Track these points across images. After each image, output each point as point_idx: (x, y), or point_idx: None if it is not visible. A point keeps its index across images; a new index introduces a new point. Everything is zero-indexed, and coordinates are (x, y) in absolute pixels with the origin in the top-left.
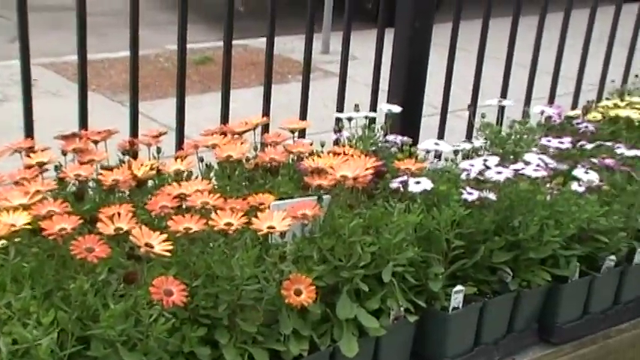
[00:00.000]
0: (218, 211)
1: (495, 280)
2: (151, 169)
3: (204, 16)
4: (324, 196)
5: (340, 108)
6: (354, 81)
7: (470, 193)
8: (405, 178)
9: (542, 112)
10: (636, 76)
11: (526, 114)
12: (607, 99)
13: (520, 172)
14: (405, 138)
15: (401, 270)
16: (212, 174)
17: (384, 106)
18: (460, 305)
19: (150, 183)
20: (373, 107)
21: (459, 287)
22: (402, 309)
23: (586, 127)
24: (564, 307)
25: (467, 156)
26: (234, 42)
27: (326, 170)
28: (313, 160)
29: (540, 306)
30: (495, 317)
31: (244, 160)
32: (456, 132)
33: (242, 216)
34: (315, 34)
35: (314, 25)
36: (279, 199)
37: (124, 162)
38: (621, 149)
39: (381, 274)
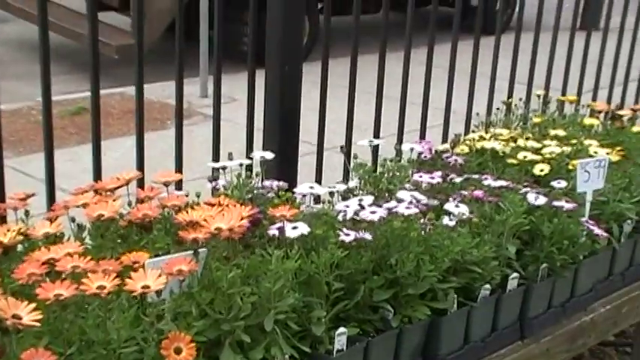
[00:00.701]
0: (90, 275)
1: (377, 319)
2: (19, 234)
3: (79, 65)
4: (201, 250)
5: (216, 155)
6: (236, 123)
7: (347, 235)
8: (281, 224)
9: (411, 150)
10: (497, 109)
11: (399, 151)
12: (473, 131)
13: (393, 210)
14: (281, 183)
15: (283, 317)
16: (85, 234)
17: (257, 154)
18: (344, 347)
19: (20, 247)
20: (250, 152)
21: (341, 329)
22: (286, 356)
23: (455, 160)
24: (445, 338)
25: (344, 197)
26: (110, 90)
27: (200, 223)
28: (187, 213)
29: (423, 339)
30: (380, 355)
31: (119, 217)
32: (339, 169)
33: (115, 277)
34: (193, 78)
35: (183, 69)
36: (155, 256)
37: None
38: (488, 180)
39: (263, 323)
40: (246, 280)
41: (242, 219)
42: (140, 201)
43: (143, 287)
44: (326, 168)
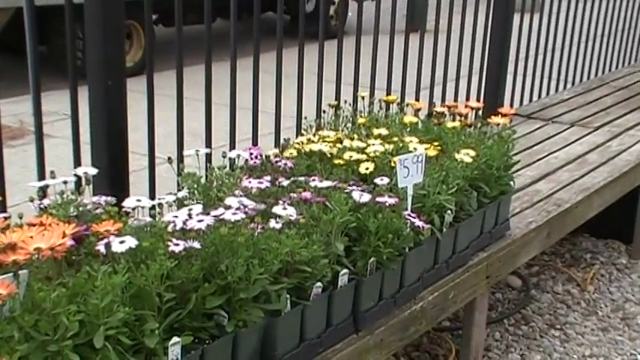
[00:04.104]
0: None
1: (213, 326)
2: None
3: None
4: (21, 272)
5: (41, 174)
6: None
7: (176, 245)
8: (107, 239)
9: (238, 156)
10: (324, 111)
11: (228, 159)
12: (301, 134)
13: (220, 217)
14: (109, 198)
15: (113, 332)
16: None
17: (80, 170)
18: (179, 357)
19: None
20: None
21: (174, 339)
22: None
23: (285, 164)
24: (281, 338)
25: (179, 207)
26: None
27: (19, 245)
28: (6, 235)
29: (260, 342)
30: None
31: None
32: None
33: None
34: (26, 96)
35: None
36: None
37: None
38: (315, 182)
39: (93, 341)
40: (73, 298)
41: (65, 237)
42: None
43: None
44: (168, 179)
